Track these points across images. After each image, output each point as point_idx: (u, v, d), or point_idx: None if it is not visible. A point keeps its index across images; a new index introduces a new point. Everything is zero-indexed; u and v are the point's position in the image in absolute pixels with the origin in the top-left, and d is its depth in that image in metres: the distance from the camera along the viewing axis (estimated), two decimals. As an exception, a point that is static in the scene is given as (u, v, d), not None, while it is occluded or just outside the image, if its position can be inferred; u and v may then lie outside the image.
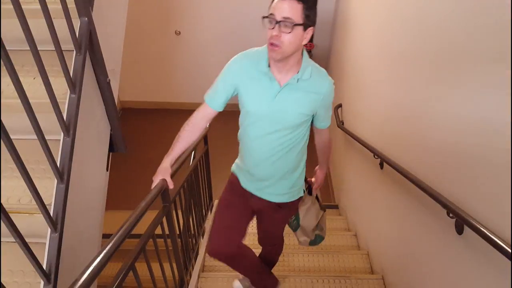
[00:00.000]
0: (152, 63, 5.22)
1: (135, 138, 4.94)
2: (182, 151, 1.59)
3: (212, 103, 1.58)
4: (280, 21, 1.24)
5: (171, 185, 1.54)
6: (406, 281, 2.05)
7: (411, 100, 1.95)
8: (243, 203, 1.77)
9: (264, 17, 1.28)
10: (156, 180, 1.50)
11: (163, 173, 1.52)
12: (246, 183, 1.72)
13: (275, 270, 2.63)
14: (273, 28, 1.27)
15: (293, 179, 1.68)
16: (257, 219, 1.92)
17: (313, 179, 1.95)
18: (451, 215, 1.44)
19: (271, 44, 1.28)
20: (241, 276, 2.24)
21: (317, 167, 1.94)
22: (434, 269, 1.69)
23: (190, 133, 1.60)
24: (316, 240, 2.04)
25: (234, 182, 1.78)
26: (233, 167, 1.81)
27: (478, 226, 1.24)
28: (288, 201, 1.72)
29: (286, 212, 1.85)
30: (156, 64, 5.24)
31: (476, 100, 1.33)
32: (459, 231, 1.42)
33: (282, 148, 1.55)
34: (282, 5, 1.23)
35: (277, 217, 1.84)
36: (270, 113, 1.47)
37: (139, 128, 5.20)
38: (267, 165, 1.59)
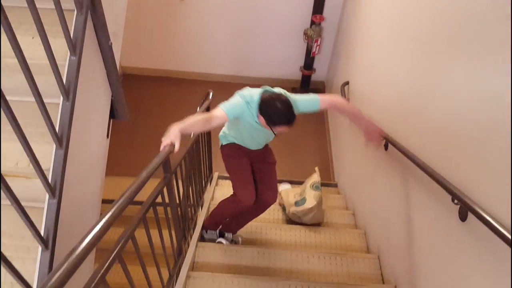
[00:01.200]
0: (155, 29, 5.09)
1: (135, 105, 4.88)
2: (190, 133, 1.96)
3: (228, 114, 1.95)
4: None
5: (177, 148, 1.64)
6: (402, 263, 2.06)
7: (421, 80, 1.89)
8: (248, 162, 2.33)
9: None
10: (165, 142, 1.61)
11: (173, 136, 1.63)
12: (246, 145, 2.30)
13: (272, 245, 2.65)
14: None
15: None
16: (257, 173, 2.38)
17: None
18: (455, 201, 1.42)
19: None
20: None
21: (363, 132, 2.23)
22: (432, 253, 1.68)
23: (203, 127, 1.98)
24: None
25: (235, 147, 2.30)
26: (229, 139, 2.31)
27: (483, 214, 1.22)
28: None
29: (271, 160, 2.48)
30: (159, 30, 5.11)
31: (489, 82, 1.28)
32: (463, 218, 1.40)
33: (268, 139, 2.31)
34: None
35: (269, 161, 2.44)
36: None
37: (139, 95, 5.13)
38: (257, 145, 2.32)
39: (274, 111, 1.87)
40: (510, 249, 1.08)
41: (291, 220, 2.98)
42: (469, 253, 1.38)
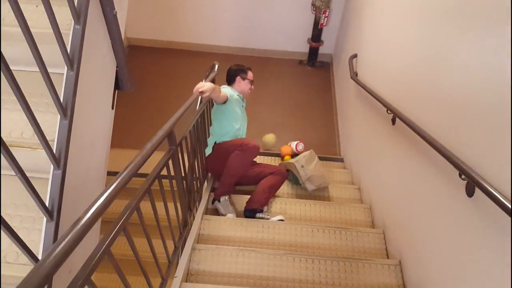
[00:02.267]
0: (161, 0, 4.99)
1: (140, 77, 4.85)
2: (213, 96, 2.38)
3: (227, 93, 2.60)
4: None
5: (206, 94, 2.17)
6: (407, 238, 2.07)
7: (431, 52, 1.84)
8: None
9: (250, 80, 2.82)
10: (200, 89, 2.13)
11: (207, 87, 2.16)
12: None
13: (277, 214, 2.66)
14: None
15: None
16: (249, 170, 2.72)
17: None
18: (463, 176, 1.40)
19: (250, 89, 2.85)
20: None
21: None
22: (438, 228, 1.68)
23: (218, 93, 2.42)
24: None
25: (215, 153, 2.71)
26: (211, 143, 2.74)
27: (490, 189, 1.21)
28: None
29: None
30: (165, 1, 5.01)
31: (500, 55, 1.24)
32: (470, 193, 1.38)
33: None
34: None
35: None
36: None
37: (145, 67, 5.08)
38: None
39: (236, 67, 2.81)
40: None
41: (297, 194, 3.00)
42: (476, 228, 1.37)
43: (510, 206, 1.11)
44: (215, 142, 2.70)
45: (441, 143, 1.59)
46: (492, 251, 1.27)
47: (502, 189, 1.19)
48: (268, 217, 2.54)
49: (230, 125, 2.68)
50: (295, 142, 3.43)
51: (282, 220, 2.52)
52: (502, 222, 1.18)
